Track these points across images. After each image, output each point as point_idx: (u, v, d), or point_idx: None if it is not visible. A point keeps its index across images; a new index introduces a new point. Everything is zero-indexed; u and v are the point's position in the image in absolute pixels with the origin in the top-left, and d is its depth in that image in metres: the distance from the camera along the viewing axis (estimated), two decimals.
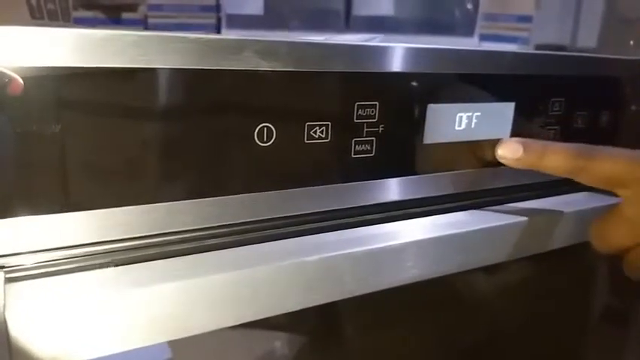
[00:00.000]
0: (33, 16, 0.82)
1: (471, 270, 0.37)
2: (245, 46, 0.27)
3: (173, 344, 0.32)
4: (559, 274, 0.48)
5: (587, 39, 0.93)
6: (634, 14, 0.85)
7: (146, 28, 0.95)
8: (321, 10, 1.05)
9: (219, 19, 0.98)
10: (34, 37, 0.23)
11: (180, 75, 0.26)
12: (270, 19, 0.98)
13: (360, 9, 1.05)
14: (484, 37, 1.09)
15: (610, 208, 0.34)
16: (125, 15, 0.96)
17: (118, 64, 0.24)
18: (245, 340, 0.37)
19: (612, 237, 0.34)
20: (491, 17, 1.10)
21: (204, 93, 0.27)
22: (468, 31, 1.09)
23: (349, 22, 1.02)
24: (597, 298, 0.54)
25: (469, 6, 1.11)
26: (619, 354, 0.57)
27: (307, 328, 0.40)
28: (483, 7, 1.10)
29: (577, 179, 0.34)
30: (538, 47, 1.01)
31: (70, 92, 0.24)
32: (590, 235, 0.35)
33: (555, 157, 0.34)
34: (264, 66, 0.28)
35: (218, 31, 0.97)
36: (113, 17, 0.95)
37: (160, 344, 0.32)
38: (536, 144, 0.35)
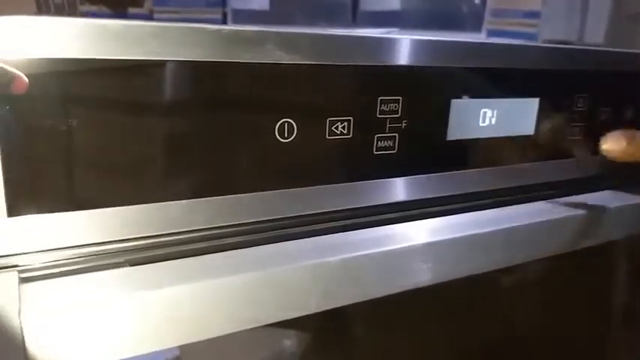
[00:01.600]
0: (40, 10, 0.82)
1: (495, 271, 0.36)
2: (266, 39, 0.26)
3: (182, 345, 0.31)
4: (577, 275, 0.48)
5: (595, 35, 0.93)
6: None
7: (152, 20, 0.95)
8: (328, 5, 1.04)
9: (224, 14, 0.98)
10: (50, 28, 0.22)
11: (198, 68, 0.25)
12: (276, 14, 0.98)
13: (367, 4, 1.04)
14: (491, 33, 1.08)
15: None
16: (131, 9, 0.96)
17: (137, 56, 0.23)
18: (254, 338, 0.37)
19: None
20: (498, 13, 1.10)
21: (224, 87, 0.26)
22: (475, 26, 1.09)
23: (356, 16, 1.02)
24: (615, 299, 0.54)
25: (476, 1, 1.10)
26: (635, 355, 0.57)
27: (317, 328, 0.40)
28: (491, 3, 1.09)
29: None
30: (545, 43, 1.00)
31: (85, 86, 0.23)
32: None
33: None
34: (285, 59, 0.27)
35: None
36: (119, 11, 0.95)
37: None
38: (637, 132, 0.34)
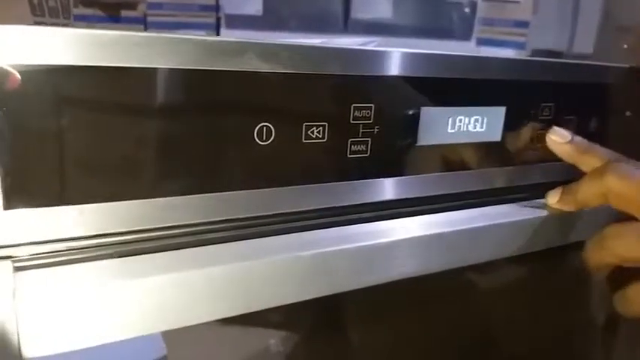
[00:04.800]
0: (34, 13, 0.83)
1: (465, 268, 0.38)
2: (247, 49, 0.28)
3: (168, 341, 0.33)
4: (550, 275, 0.49)
5: (584, 45, 0.94)
6: (630, 21, 0.86)
7: (145, 26, 0.95)
8: (320, 13, 1.05)
9: (218, 19, 0.98)
10: (42, 37, 0.24)
11: (184, 75, 0.27)
12: (269, 20, 0.98)
13: (359, 12, 1.05)
14: (481, 42, 1.09)
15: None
16: (124, 13, 0.96)
17: (124, 63, 0.25)
18: (240, 337, 0.38)
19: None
20: (488, 22, 1.11)
21: (207, 93, 0.28)
22: (465, 35, 1.10)
23: (347, 24, 1.03)
24: (587, 299, 0.55)
25: (467, 10, 1.11)
26: (609, 356, 0.58)
27: (302, 326, 0.41)
28: (481, 12, 1.10)
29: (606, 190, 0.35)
30: (535, 52, 1.02)
31: (77, 90, 0.25)
32: (597, 243, 0.36)
33: (593, 158, 0.37)
34: (265, 68, 0.29)
35: (217, 31, 0.97)
36: (113, 15, 0.96)
37: (155, 341, 0.33)
38: (583, 140, 0.39)
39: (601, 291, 0.53)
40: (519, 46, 1.06)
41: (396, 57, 0.33)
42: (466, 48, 1.05)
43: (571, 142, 0.39)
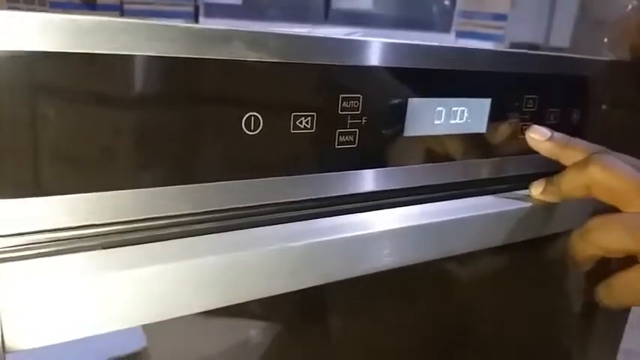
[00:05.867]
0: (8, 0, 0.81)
1: (449, 259, 0.38)
2: (234, 37, 0.28)
3: (148, 332, 0.33)
4: (532, 266, 0.50)
5: (560, 39, 0.96)
6: (607, 16, 0.87)
7: (122, 13, 0.94)
8: (300, 2, 1.05)
9: (196, 8, 0.97)
10: (20, 22, 0.23)
11: (170, 63, 0.26)
12: (248, 9, 0.98)
13: (339, 2, 1.05)
14: (460, 34, 1.10)
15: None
16: (100, 0, 0.95)
17: (108, 50, 0.25)
18: (220, 328, 0.38)
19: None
20: (467, 15, 1.12)
21: (194, 82, 0.27)
22: (444, 27, 1.11)
23: (328, 14, 1.03)
24: (568, 291, 0.56)
25: (446, 2, 1.12)
26: (587, 346, 0.60)
27: (283, 317, 0.41)
28: (460, 5, 1.11)
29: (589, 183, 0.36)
30: (512, 45, 1.03)
31: (54, 78, 0.24)
32: (580, 236, 0.37)
33: (575, 152, 0.38)
34: (252, 56, 0.28)
35: (196, 19, 0.96)
36: (89, 2, 0.94)
37: (135, 331, 0.32)
38: (563, 135, 0.39)
39: (579, 280, 0.54)
40: (497, 38, 1.07)
41: (385, 48, 0.32)
42: (445, 40, 1.05)
43: (551, 138, 0.39)
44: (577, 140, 0.39)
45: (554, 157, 0.39)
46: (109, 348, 0.33)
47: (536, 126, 0.40)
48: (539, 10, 1.01)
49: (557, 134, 0.39)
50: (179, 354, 0.35)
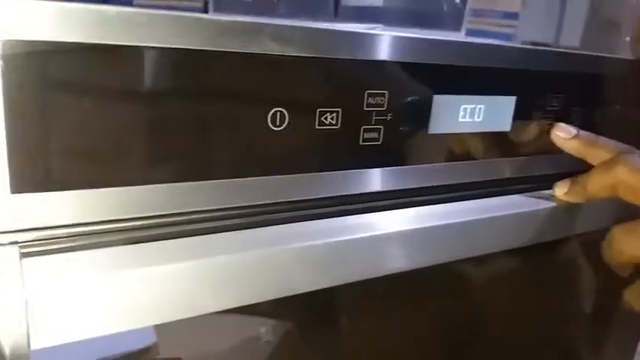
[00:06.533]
0: None
1: (465, 259, 0.38)
2: (260, 30, 0.27)
3: (158, 329, 0.32)
4: (547, 267, 0.50)
5: (571, 38, 0.95)
6: (617, 16, 0.87)
7: (132, 6, 0.93)
8: None
9: (206, 3, 0.97)
10: (40, 11, 0.22)
11: (196, 56, 0.26)
12: (258, 4, 0.97)
13: None
14: (471, 32, 1.09)
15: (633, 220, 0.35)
16: None
17: (133, 42, 0.24)
18: (230, 325, 0.37)
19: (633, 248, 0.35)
20: (478, 12, 1.11)
21: (220, 75, 0.27)
22: (455, 25, 1.10)
23: (338, 11, 1.02)
24: (582, 294, 0.56)
25: (457, 0, 1.11)
26: (602, 350, 0.59)
27: (293, 315, 0.40)
28: (471, 2, 1.10)
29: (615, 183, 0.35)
30: (523, 44, 1.02)
31: (79, 72, 0.24)
32: (607, 244, 0.36)
33: (601, 151, 0.37)
34: (278, 50, 0.28)
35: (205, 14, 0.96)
36: None
37: (145, 329, 0.32)
38: (590, 134, 0.39)
39: (594, 283, 0.53)
40: (508, 37, 1.06)
41: (411, 43, 0.32)
42: (456, 38, 1.04)
43: (577, 136, 0.39)
44: (604, 139, 0.38)
45: (580, 156, 0.39)
46: (119, 343, 0.33)
47: (561, 124, 0.39)
48: (549, 9, 1.00)
49: (583, 132, 0.39)
50: (189, 350, 0.35)
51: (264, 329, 0.40)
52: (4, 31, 0.21)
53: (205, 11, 0.99)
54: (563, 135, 0.39)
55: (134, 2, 0.98)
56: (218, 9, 0.98)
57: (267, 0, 1.00)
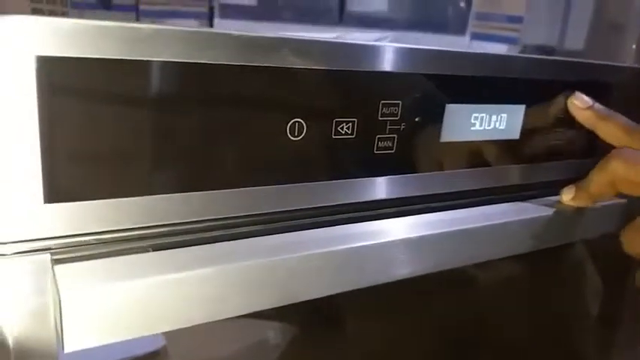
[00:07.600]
0: None
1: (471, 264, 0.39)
2: (282, 45, 0.28)
3: (167, 332, 0.33)
4: (553, 272, 0.50)
5: (575, 42, 0.95)
6: (622, 19, 0.87)
7: (137, 13, 0.94)
8: (315, 4, 1.05)
9: (211, 9, 0.97)
10: (54, 28, 0.23)
11: (222, 71, 0.27)
12: (263, 10, 0.98)
13: (354, 4, 1.05)
14: (475, 36, 1.10)
15: None
16: (116, 0, 0.95)
17: (158, 58, 0.25)
18: (238, 329, 0.38)
19: None
20: (483, 16, 1.11)
21: (243, 88, 0.28)
22: (459, 29, 1.10)
23: (342, 17, 1.03)
24: (586, 298, 0.56)
25: (462, 4, 1.12)
26: (608, 354, 0.60)
27: (300, 319, 0.41)
28: (475, 6, 1.11)
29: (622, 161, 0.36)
30: (527, 47, 1.03)
31: (109, 82, 0.25)
32: (624, 238, 0.37)
33: (612, 126, 0.39)
34: (298, 64, 0.29)
35: (210, 20, 0.97)
36: (105, 2, 0.94)
37: None
38: (604, 108, 0.40)
39: (600, 285, 0.54)
40: (512, 41, 1.07)
41: (426, 55, 0.33)
42: (460, 43, 1.05)
43: (591, 107, 0.40)
44: (616, 114, 0.39)
45: (591, 127, 0.40)
46: (129, 347, 0.34)
47: (579, 93, 0.40)
48: (554, 13, 1.00)
49: (598, 105, 0.40)
50: (197, 353, 0.36)
51: (272, 332, 0.41)
52: (38, 47, 0.22)
53: (211, 16, 0.99)
54: (579, 104, 0.40)
55: (140, 8, 0.99)
56: (223, 14, 0.99)
57: (271, 5, 1.01)
